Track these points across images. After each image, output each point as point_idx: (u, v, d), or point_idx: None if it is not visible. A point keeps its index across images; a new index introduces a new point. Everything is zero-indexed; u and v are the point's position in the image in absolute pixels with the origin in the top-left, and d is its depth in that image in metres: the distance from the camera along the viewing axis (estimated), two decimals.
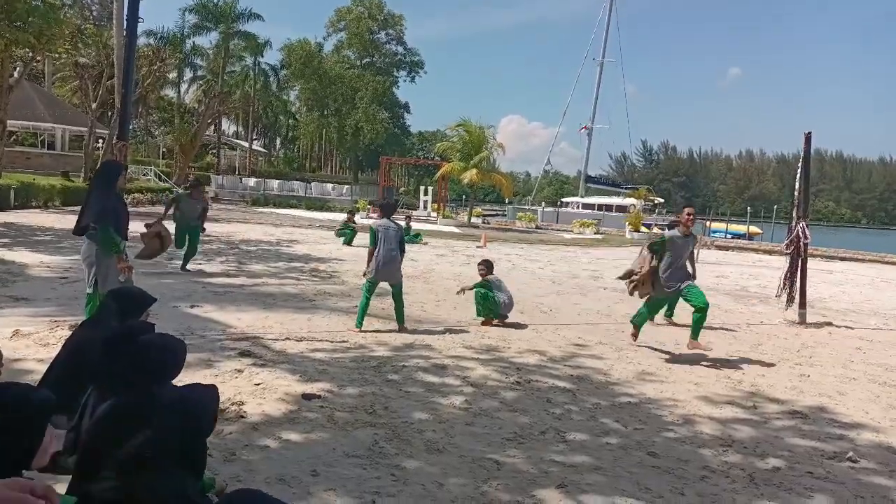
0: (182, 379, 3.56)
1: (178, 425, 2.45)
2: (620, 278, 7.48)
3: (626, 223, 32.24)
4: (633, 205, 37.55)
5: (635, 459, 4.02)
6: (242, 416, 4.22)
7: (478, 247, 19.64)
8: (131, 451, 2.36)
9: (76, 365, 3.50)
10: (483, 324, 7.90)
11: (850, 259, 23.72)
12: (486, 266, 8.31)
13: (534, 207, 46.05)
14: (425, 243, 19.40)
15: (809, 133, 9.76)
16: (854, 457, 4.28)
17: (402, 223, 9.64)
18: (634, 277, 7.02)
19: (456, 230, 27.18)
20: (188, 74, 55.59)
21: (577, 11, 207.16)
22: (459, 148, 33.60)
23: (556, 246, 22.77)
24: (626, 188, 52.31)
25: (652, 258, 6.92)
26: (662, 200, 55.28)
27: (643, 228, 31.53)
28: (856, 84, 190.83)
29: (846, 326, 9.59)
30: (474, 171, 31.70)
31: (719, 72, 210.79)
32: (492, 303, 7.95)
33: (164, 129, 52.66)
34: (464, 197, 46.40)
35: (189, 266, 10.78)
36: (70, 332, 4.36)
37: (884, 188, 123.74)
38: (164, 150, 50.89)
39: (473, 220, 33.64)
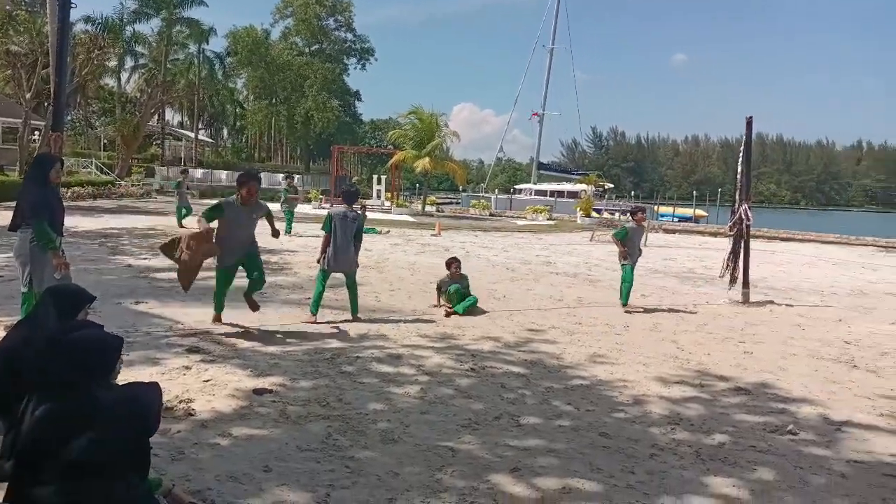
0: (126, 377, 3.46)
1: (121, 426, 2.38)
2: None
3: (578, 209, 32.71)
4: (584, 190, 38.07)
5: (587, 440, 4.10)
6: (191, 414, 4.13)
7: (432, 235, 19.63)
8: (73, 454, 2.28)
9: (11, 366, 3.35)
10: (446, 315, 7.85)
11: (791, 239, 24.62)
12: (458, 263, 8.40)
13: (487, 195, 46.23)
14: (384, 232, 19.25)
15: (751, 118, 10.06)
16: (794, 429, 4.46)
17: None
18: None
19: (410, 219, 27.09)
20: (129, 63, 53.60)
21: None
22: (412, 136, 33.40)
23: (509, 233, 22.95)
24: (577, 174, 53.05)
25: None
26: (612, 186, 56.33)
27: (594, 214, 32.08)
28: (794, 70, 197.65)
29: (787, 304, 9.96)
30: (427, 159, 31.57)
31: (665, 57, 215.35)
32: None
33: (105, 119, 50.67)
34: (417, 185, 46.27)
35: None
36: (5, 333, 4.17)
37: (821, 170, 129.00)
38: (106, 141, 48.97)
39: (427, 208, 33.58)
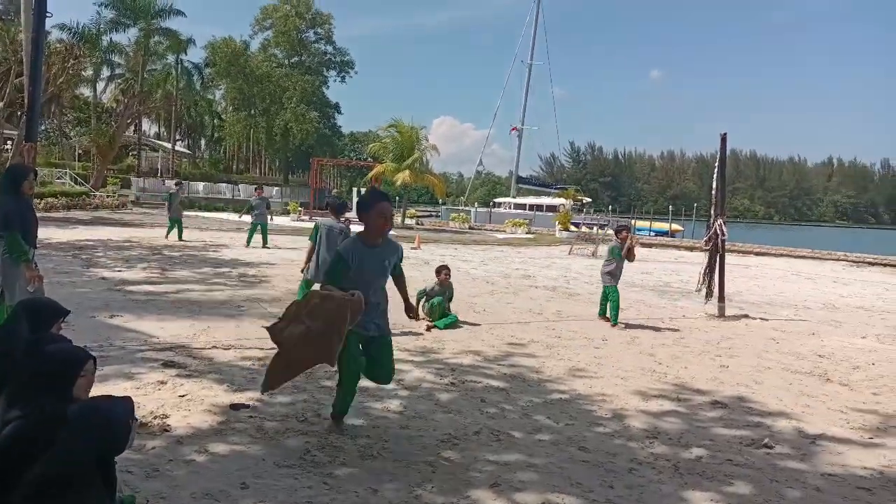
0: (100, 392, 3.39)
1: (89, 441, 2.33)
2: None
3: (556, 222, 32.99)
4: (563, 204, 38.47)
5: (566, 455, 4.10)
6: (166, 430, 4.05)
7: (412, 248, 19.59)
8: (39, 471, 2.23)
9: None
10: (427, 329, 7.82)
11: (764, 254, 25.01)
12: (448, 271, 8.48)
13: (467, 208, 46.47)
14: None
15: (725, 134, 10.23)
16: (770, 443, 4.51)
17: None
18: None
19: (390, 232, 27.04)
20: (105, 73, 52.99)
21: (505, 11, 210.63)
22: (392, 149, 33.49)
23: (488, 246, 23.01)
24: (555, 188, 53.60)
25: None
26: (590, 200, 57.01)
27: (572, 227, 32.35)
28: (766, 87, 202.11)
29: (761, 318, 10.10)
30: (407, 172, 31.67)
31: (641, 74, 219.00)
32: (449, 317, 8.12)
33: (80, 129, 49.96)
34: (397, 198, 46.31)
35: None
36: None
37: (793, 186, 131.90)
38: (80, 151, 48.26)
39: (407, 221, 33.60)
